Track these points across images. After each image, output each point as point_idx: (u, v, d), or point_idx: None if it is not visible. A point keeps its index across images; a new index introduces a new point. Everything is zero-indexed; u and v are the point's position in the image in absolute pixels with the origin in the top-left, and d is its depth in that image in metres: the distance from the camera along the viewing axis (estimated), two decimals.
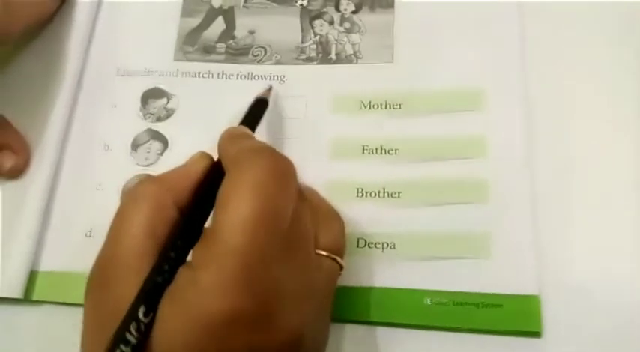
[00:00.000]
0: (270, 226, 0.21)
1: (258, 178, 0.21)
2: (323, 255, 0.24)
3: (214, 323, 0.19)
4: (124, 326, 0.20)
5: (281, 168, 0.23)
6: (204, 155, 0.26)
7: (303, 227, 0.23)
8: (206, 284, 0.19)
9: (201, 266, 0.20)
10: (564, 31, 0.31)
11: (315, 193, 0.27)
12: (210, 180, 0.24)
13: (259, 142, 0.26)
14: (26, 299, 0.29)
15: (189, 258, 0.22)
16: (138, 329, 0.20)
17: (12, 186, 0.31)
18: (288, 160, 0.24)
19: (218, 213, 0.21)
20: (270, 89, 0.31)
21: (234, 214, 0.20)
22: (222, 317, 0.19)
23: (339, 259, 0.25)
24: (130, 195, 0.24)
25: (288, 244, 0.21)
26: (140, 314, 0.20)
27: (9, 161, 0.31)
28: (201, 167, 0.25)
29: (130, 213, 0.23)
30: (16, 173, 0.31)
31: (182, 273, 0.21)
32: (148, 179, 0.24)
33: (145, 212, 0.22)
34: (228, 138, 0.26)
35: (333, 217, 0.26)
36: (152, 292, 0.20)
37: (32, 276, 0.30)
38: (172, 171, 0.25)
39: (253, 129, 0.28)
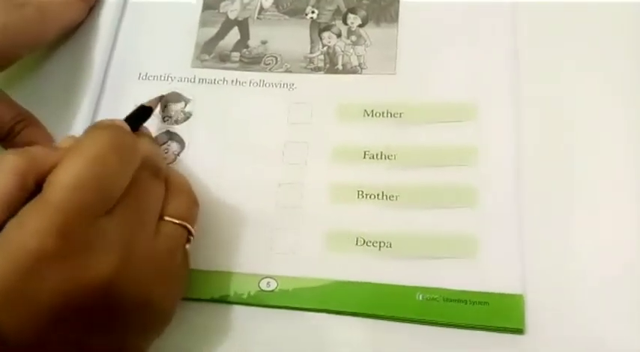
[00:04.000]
0: (94, 186, 0.24)
1: (92, 146, 0.25)
2: (171, 222, 0.27)
3: (30, 259, 0.22)
4: None
5: (120, 142, 0.25)
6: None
7: (143, 194, 0.26)
8: (28, 228, 0.22)
9: (27, 214, 0.23)
10: (557, 45, 0.33)
11: (177, 174, 0.30)
12: None
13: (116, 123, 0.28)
14: None
15: None
16: None
17: None
18: (133, 139, 0.27)
19: (51, 173, 0.24)
20: (159, 99, 0.34)
21: (63, 173, 0.24)
22: (37, 254, 0.22)
23: (188, 226, 0.28)
24: None
25: (120, 205, 0.25)
26: None
27: None
28: None
29: None
30: None
31: (11, 222, 0.23)
32: (16, 152, 0.25)
33: (5, 185, 0.23)
34: (93, 124, 0.28)
35: (185, 193, 0.29)
36: None
37: None
38: (43, 150, 0.26)
39: (133, 129, 0.30)
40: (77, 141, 0.26)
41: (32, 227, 0.22)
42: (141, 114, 0.31)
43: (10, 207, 0.23)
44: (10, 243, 0.22)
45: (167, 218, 0.27)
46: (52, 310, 0.22)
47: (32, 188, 0.24)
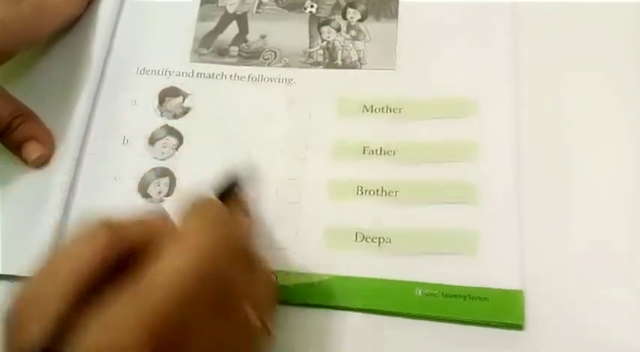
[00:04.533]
0: (198, 292, 0.21)
1: (203, 244, 0.22)
2: (253, 316, 0.24)
3: None
4: None
5: (232, 244, 0.24)
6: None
7: (237, 292, 0.24)
8: (117, 317, 0.20)
9: (117, 310, 0.21)
10: (557, 45, 0.33)
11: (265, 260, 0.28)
12: None
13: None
14: None
15: None
16: None
17: (36, 174, 0.33)
18: (242, 234, 0.25)
19: (152, 267, 0.21)
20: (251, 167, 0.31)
21: (166, 271, 0.21)
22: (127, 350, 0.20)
23: (270, 326, 0.25)
24: (83, 235, 0.23)
25: (217, 308, 0.23)
26: None
27: (35, 151, 0.33)
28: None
29: (76, 254, 0.22)
30: (41, 163, 0.33)
31: (98, 315, 0.20)
32: (102, 224, 0.23)
33: (87, 259, 0.22)
34: (197, 205, 0.25)
35: (271, 284, 0.27)
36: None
37: None
38: (129, 222, 0.24)
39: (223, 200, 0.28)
40: (181, 232, 0.23)
41: (121, 318, 0.20)
42: (232, 185, 0.29)
43: (89, 284, 0.21)
44: (97, 338, 0.20)
45: (250, 311, 0.24)
46: None
47: (114, 263, 0.22)
